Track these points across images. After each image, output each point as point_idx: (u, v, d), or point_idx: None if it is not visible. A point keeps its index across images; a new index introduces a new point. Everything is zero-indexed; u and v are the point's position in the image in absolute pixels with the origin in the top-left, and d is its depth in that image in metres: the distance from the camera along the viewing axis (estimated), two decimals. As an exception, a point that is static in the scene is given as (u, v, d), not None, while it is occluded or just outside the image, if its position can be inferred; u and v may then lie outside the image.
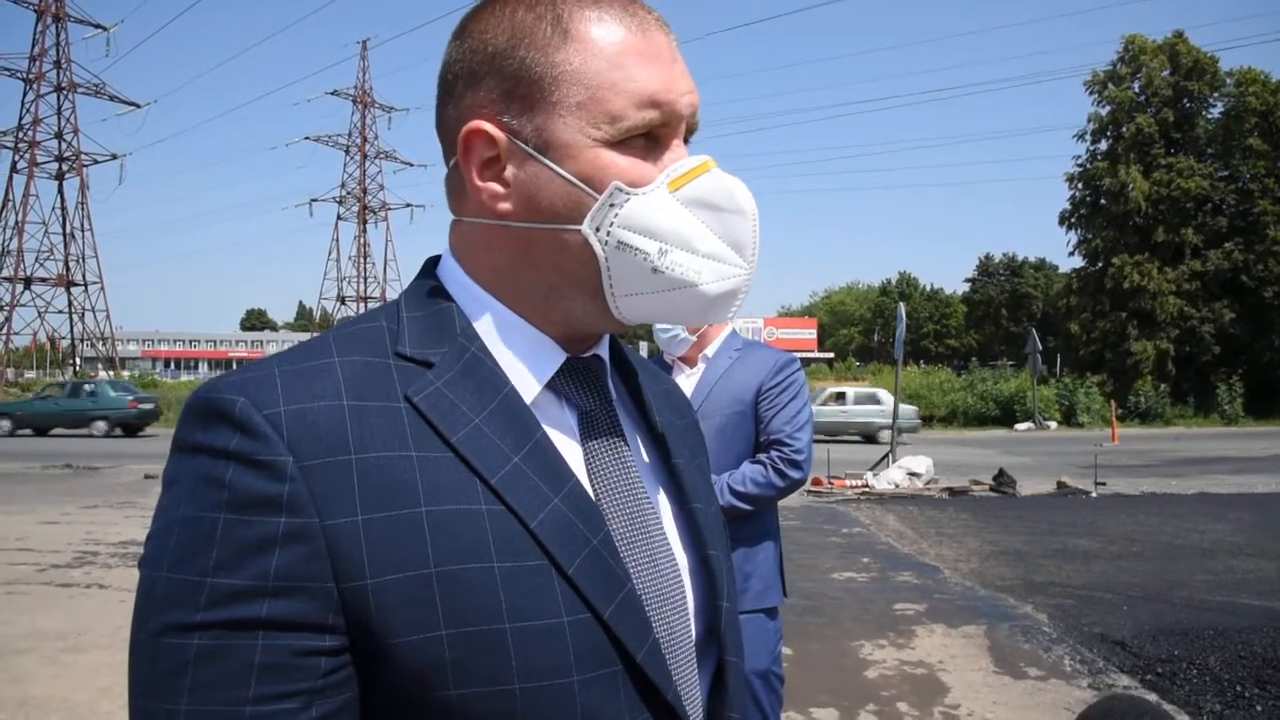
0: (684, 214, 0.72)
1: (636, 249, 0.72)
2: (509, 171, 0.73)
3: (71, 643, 5.28)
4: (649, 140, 0.73)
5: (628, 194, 0.71)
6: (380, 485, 0.64)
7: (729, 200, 0.73)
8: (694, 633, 0.79)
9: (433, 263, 0.82)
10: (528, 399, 0.74)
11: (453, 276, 0.79)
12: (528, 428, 0.72)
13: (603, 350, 0.83)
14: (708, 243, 0.73)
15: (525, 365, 0.76)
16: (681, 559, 0.80)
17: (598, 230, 0.72)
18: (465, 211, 0.77)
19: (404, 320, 0.75)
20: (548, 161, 0.72)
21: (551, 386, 0.77)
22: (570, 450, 0.76)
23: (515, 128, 0.73)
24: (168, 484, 0.66)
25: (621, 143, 0.72)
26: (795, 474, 2.58)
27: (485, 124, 0.73)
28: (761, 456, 2.61)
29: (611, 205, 0.71)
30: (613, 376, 0.85)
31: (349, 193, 65.69)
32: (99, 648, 5.14)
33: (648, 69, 0.72)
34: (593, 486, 0.75)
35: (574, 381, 0.79)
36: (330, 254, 67.08)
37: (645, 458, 0.84)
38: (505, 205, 0.74)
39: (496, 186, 0.74)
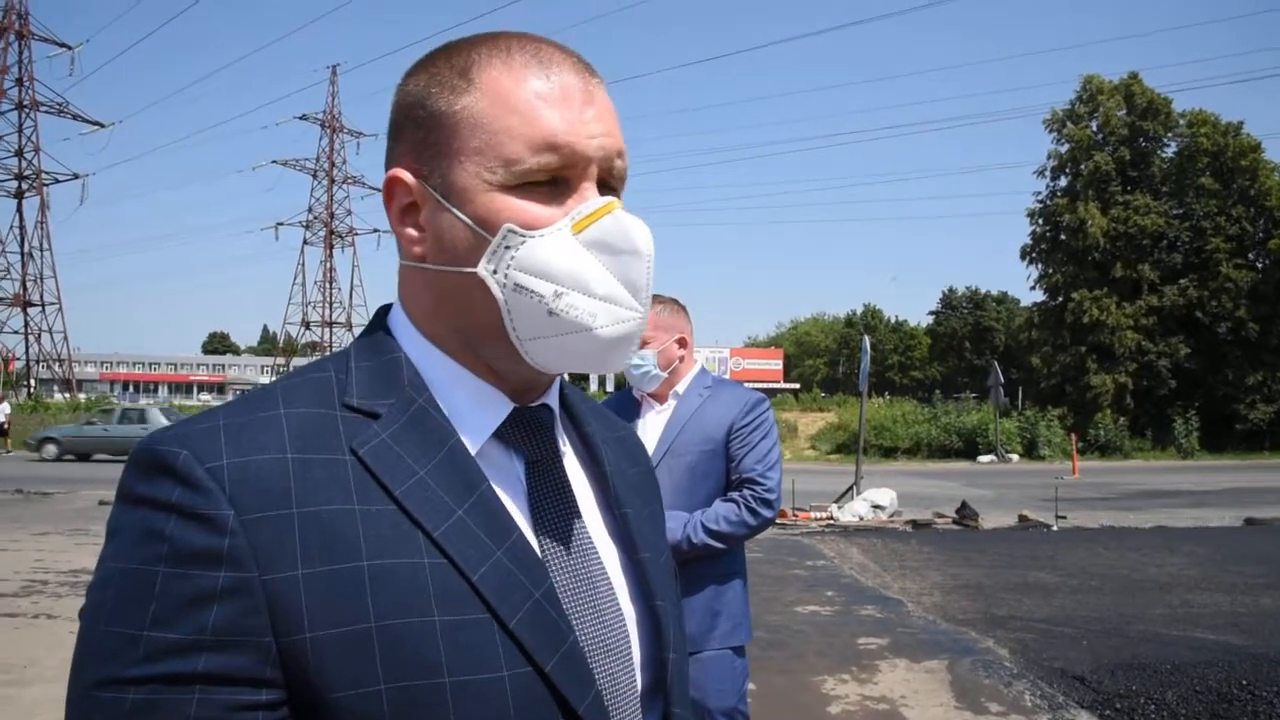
0: (584, 256, 0.72)
1: (532, 291, 0.72)
2: (423, 216, 0.75)
3: (15, 675, 5.12)
4: (555, 184, 0.73)
5: (522, 236, 0.72)
6: (321, 539, 0.64)
7: (626, 241, 0.73)
8: (639, 684, 0.79)
9: (384, 311, 0.83)
10: (474, 449, 0.75)
11: (401, 326, 0.80)
12: (472, 480, 0.72)
13: (551, 399, 0.83)
14: (605, 285, 0.73)
15: (472, 416, 0.76)
16: (628, 609, 0.80)
17: (495, 272, 0.72)
18: (401, 256, 0.79)
19: (353, 370, 0.75)
20: (450, 206, 0.73)
21: (499, 436, 0.77)
22: (516, 501, 0.76)
23: (425, 174, 0.75)
24: (110, 534, 0.66)
25: (521, 186, 0.72)
26: (767, 513, 2.62)
27: (401, 172, 0.76)
28: (734, 495, 2.62)
29: (506, 248, 0.72)
30: (564, 424, 0.85)
31: (316, 217, 65.36)
32: (45, 681, 4.99)
33: (548, 111, 0.72)
34: (537, 537, 0.75)
35: (521, 431, 0.79)
36: (296, 278, 66.68)
37: (595, 507, 0.84)
38: (420, 249, 0.76)
39: (413, 231, 0.76)
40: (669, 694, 0.82)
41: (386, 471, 0.69)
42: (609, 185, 0.76)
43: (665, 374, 2.70)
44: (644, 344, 2.65)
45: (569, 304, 0.72)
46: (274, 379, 0.78)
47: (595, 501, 0.84)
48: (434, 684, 0.64)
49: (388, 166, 0.78)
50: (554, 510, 0.78)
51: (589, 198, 0.74)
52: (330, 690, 0.62)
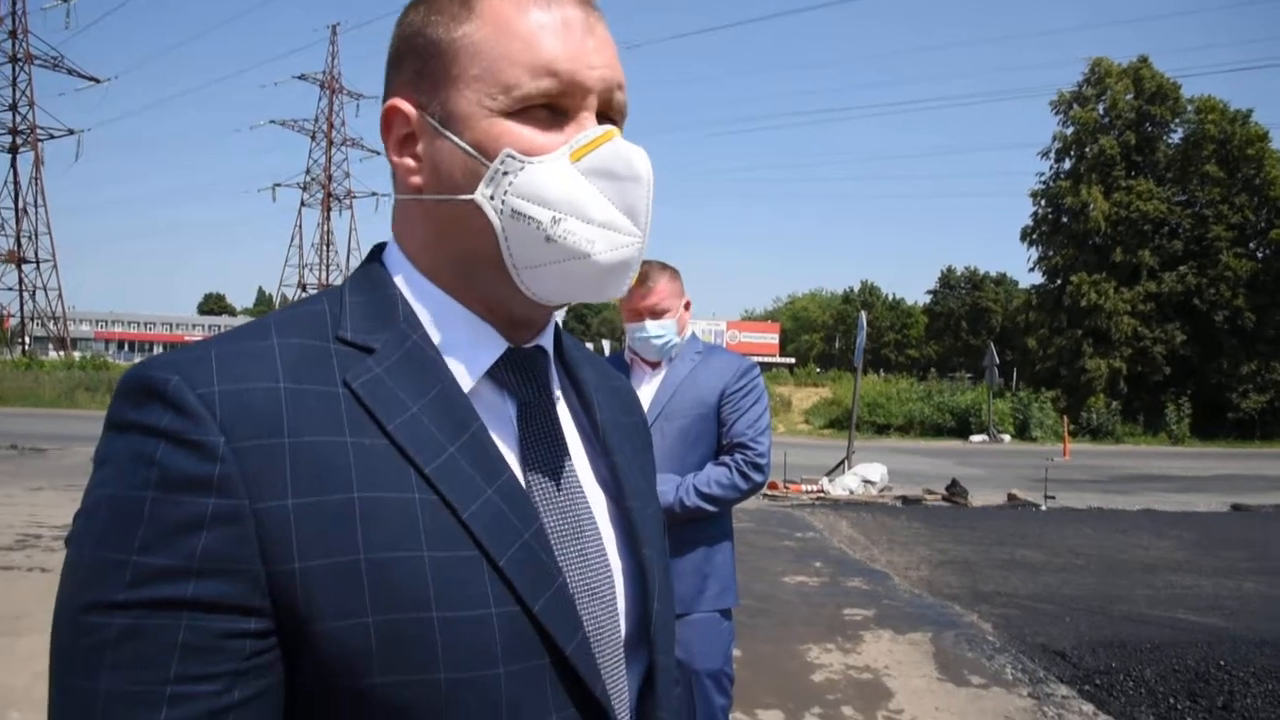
0: (582, 183, 0.72)
1: (530, 217, 0.72)
2: (420, 146, 0.75)
3: (8, 626, 5.16)
4: (553, 112, 0.73)
5: (521, 162, 0.72)
6: (313, 470, 0.64)
7: (626, 167, 0.73)
8: (623, 631, 0.79)
9: (379, 249, 0.82)
10: (466, 388, 0.75)
11: (396, 262, 0.79)
12: (465, 418, 0.72)
13: (546, 341, 0.83)
14: (603, 211, 0.72)
15: (466, 354, 0.76)
16: (614, 556, 0.80)
17: (492, 199, 0.72)
18: (396, 190, 0.79)
19: (347, 305, 0.75)
20: (448, 133, 0.73)
21: (492, 375, 0.77)
22: (507, 442, 0.76)
23: (424, 103, 0.75)
24: (99, 462, 0.65)
25: (520, 113, 0.72)
26: (758, 476, 2.65)
27: (400, 101, 0.75)
28: (726, 459, 2.65)
29: (505, 173, 0.72)
30: (557, 369, 0.85)
31: (314, 179, 64.89)
32: (36, 632, 5.03)
33: (549, 39, 0.72)
34: (527, 479, 0.75)
35: (515, 372, 0.79)
36: (293, 240, 66.32)
37: (584, 453, 0.84)
38: (417, 179, 0.75)
39: (410, 161, 0.76)
40: (653, 643, 0.82)
41: (379, 406, 0.69)
42: (609, 118, 0.76)
43: (680, 340, 2.72)
44: (664, 313, 2.66)
45: (567, 230, 0.71)
46: (266, 313, 0.77)
47: (585, 448, 0.85)
48: (421, 618, 0.64)
49: (386, 98, 0.78)
50: (544, 453, 0.78)
51: (588, 126, 0.74)
52: (318, 621, 0.62)
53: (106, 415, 0.66)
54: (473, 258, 0.75)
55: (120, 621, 0.60)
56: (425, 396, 0.71)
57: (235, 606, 0.61)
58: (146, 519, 0.61)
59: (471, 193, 0.72)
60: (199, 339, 0.73)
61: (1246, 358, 34.12)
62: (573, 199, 0.72)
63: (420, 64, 0.75)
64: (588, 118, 0.74)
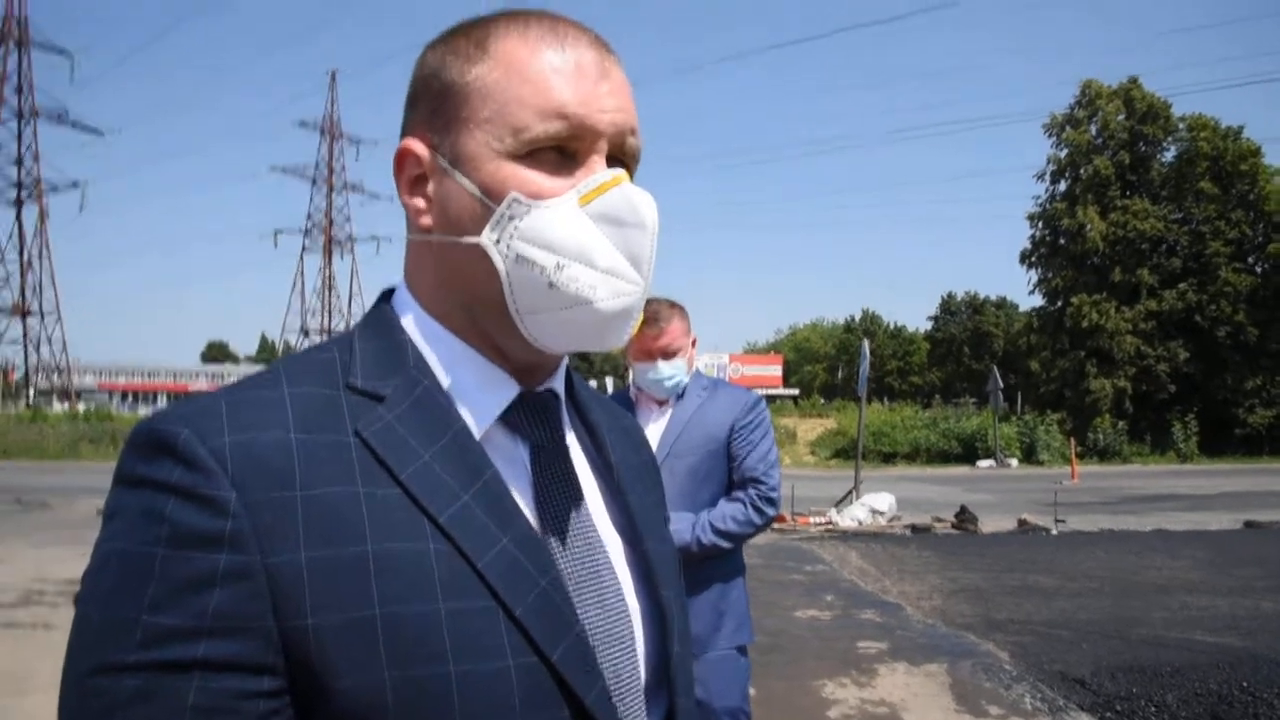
0: (589, 228, 0.71)
1: (534, 262, 0.71)
2: (431, 187, 0.75)
3: (13, 686, 5.10)
4: (563, 155, 0.73)
5: (527, 206, 0.71)
6: (326, 522, 0.63)
7: (633, 214, 0.72)
8: (643, 675, 0.78)
9: (388, 293, 0.82)
10: (479, 433, 0.74)
11: (406, 304, 0.79)
12: (478, 465, 0.71)
13: (557, 384, 0.82)
14: (607, 257, 0.71)
15: (477, 399, 0.75)
16: (632, 599, 0.79)
17: (498, 242, 0.71)
18: (409, 231, 0.79)
19: (356, 351, 0.74)
20: (457, 175, 0.73)
21: (505, 419, 0.76)
22: (521, 487, 0.75)
23: (436, 144, 0.75)
24: (108, 517, 0.64)
25: (529, 156, 0.72)
26: (771, 511, 2.66)
27: (413, 142, 0.76)
28: (739, 494, 2.65)
29: (510, 217, 0.71)
30: (568, 411, 0.84)
31: (315, 224, 65.35)
32: (41, 691, 4.97)
33: (561, 82, 0.72)
34: (542, 524, 0.74)
35: (527, 415, 0.78)
36: (295, 286, 66.63)
37: (599, 495, 0.83)
38: (427, 219, 0.75)
39: (420, 202, 0.76)
40: (673, 686, 0.81)
41: (391, 454, 0.68)
42: (621, 162, 0.76)
43: (687, 379, 2.72)
44: (675, 353, 2.66)
45: (570, 276, 0.70)
46: (275, 360, 0.77)
47: (600, 490, 0.84)
48: (439, 672, 0.63)
49: (402, 138, 0.78)
50: (559, 497, 0.77)
51: (597, 170, 0.73)
52: (333, 677, 0.61)
53: (116, 469, 0.66)
54: (478, 302, 0.74)
55: (130, 684, 0.59)
56: (437, 444, 0.70)
57: (248, 665, 0.60)
58: (157, 577, 0.60)
59: (477, 235, 0.72)
60: (203, 388, 0.72)
61: (1251, 373, 34.06)
62: (578, 244, 0.71)
63: (434, 105, 0.75)
64: (598, 162, 0.73)
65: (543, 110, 0.71)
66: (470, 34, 0.75)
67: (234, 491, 0.62)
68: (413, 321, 0.77)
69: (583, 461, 0.84)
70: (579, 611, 0.72)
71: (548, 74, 0.72)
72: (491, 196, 0.72)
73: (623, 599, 0.78)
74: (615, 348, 0.79)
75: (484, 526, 0.68)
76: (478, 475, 0.71)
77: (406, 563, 0.65)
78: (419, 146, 0.75)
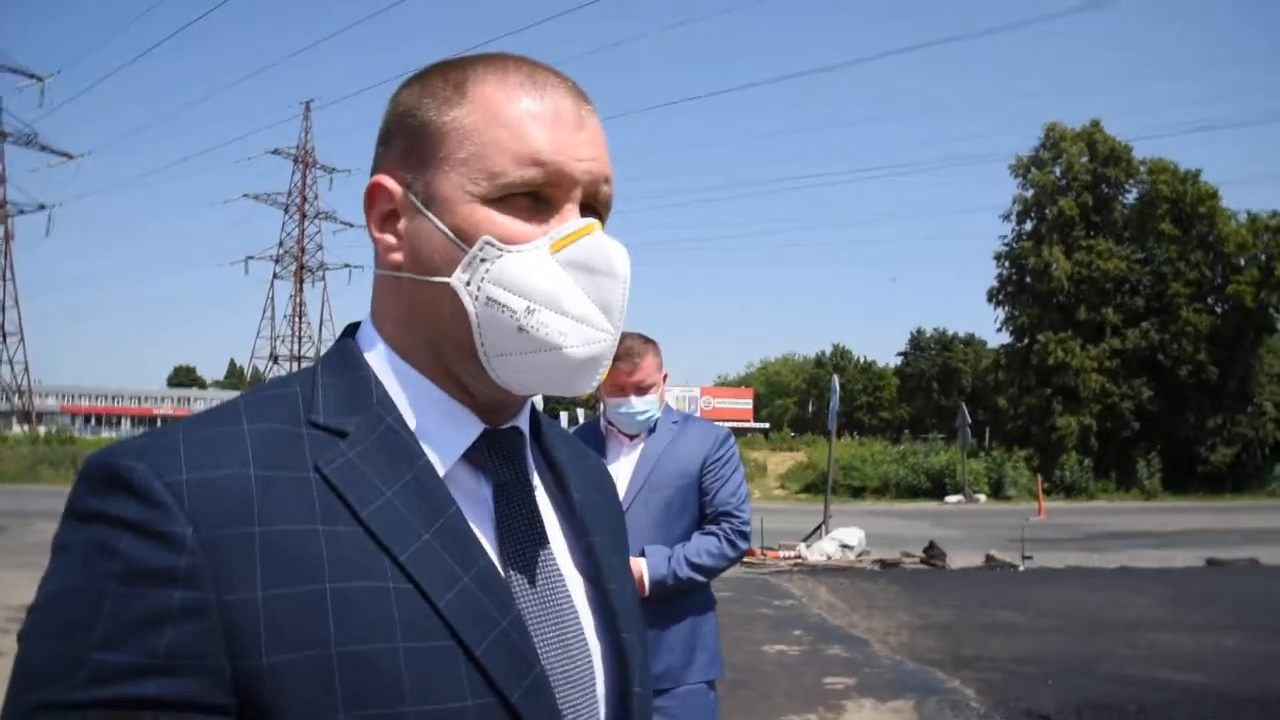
0: (559, 275, 0.72)
1: (504, 305, 0.71)
2: (402, 224, 0.75)
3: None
4: (536, 201, 0.73)
5: (500, 250, 0.71)
6: (284, 560, 0.62)
7: (605, 263, 0.73)
8: (602, 717, 0.77)
9: (353, 328, 0.81)
10: (442, 471, 0.73)
11: (371, 341, 0.78)
12: (440, 503, 0.71)
13: (522, 422, 0.81)
14: (578, 305, 0.72)
15: (441, 436, 0.74)
16: (593, 641, 0.78)
17: (468, 284, 0.72)
18: (377, 265, 0.79)
19: (319, 387, 0.73)
20: (430, 215, 0.73)
21: (468, 457, 0.76)
22: (483, 526, 0.75)
23: (409, 181, 0.75)
24: (57, 550, 0.63)
25: (502, 200, 0.72)
26: (744, 545, 2.69)
27: (385, 178, 0.76)
28: (713, 529, 2.67)
29: (482, 260, 0.71)
30: (532, 449, 0.84)
31: (286, 251, 64.88)
32: (-9, 723, 4.83)
33: (537, 129, 0.72)
34: (504, 563, 0.74)
35: (491, 453, 0.77)
36: (265, 312, 65.91)
37: (561, 534, 0.83)
38: (397, 256, 0.75)
39: (390, 238, 0.76)
40: None
41: (352, 491, 0.67)
42: (594, 210, 0.77)
43: (659, 414, 2.74)
44: (649, 389, 2.67)
45: (540, 321, 0.71)
46: (237, 395, 0.76)
47: (562, 529, 0.83)
48: (396, 713, 0.62)
49: (373, 173, 0.78)
50: (522, 537, 0.76)
51: (570, 218, 0.74)
52: (287, 718, 0.60)
53: (68, 503, 0.64)
54: (445, 341, 0.74)
55: None
56: (399, 481, 0.69)
57: (199, 705, 0.59)
58: (107, 614, 0.58)
59: (448, 276, 0.72)
60: (168, 412, 0.71)
61: (1212, 411, 34.66)
62: (548, 290, 0.71)
63: (408, 143, 0.75)
64: (571, 210, 0.74)
65: (519, 156, 0.72)
66: (448, 75, 0.76)
67: (190, 527, 0.61)
68: (378, 357, 0.77)
69: (546, 500, 0.83)
70: (540, 652, 0.71)
71: (525, 120, 0.72)
72: (464, 239, 0.72)
73: (584, 640, 0.77)
74: (581, 393, 0.79)
75: (445, 565, 0.68)
76: (439, 513, 0.70)
77: (365, 602, 0.64)
78: (391, 183, 0.75)
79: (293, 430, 0.69)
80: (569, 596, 0.78)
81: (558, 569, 0.78)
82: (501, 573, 0.73)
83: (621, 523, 0.95)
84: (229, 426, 0.68)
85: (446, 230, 0.72)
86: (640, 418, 2.68)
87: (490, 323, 0.71)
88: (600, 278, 0.73)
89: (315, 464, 0.67)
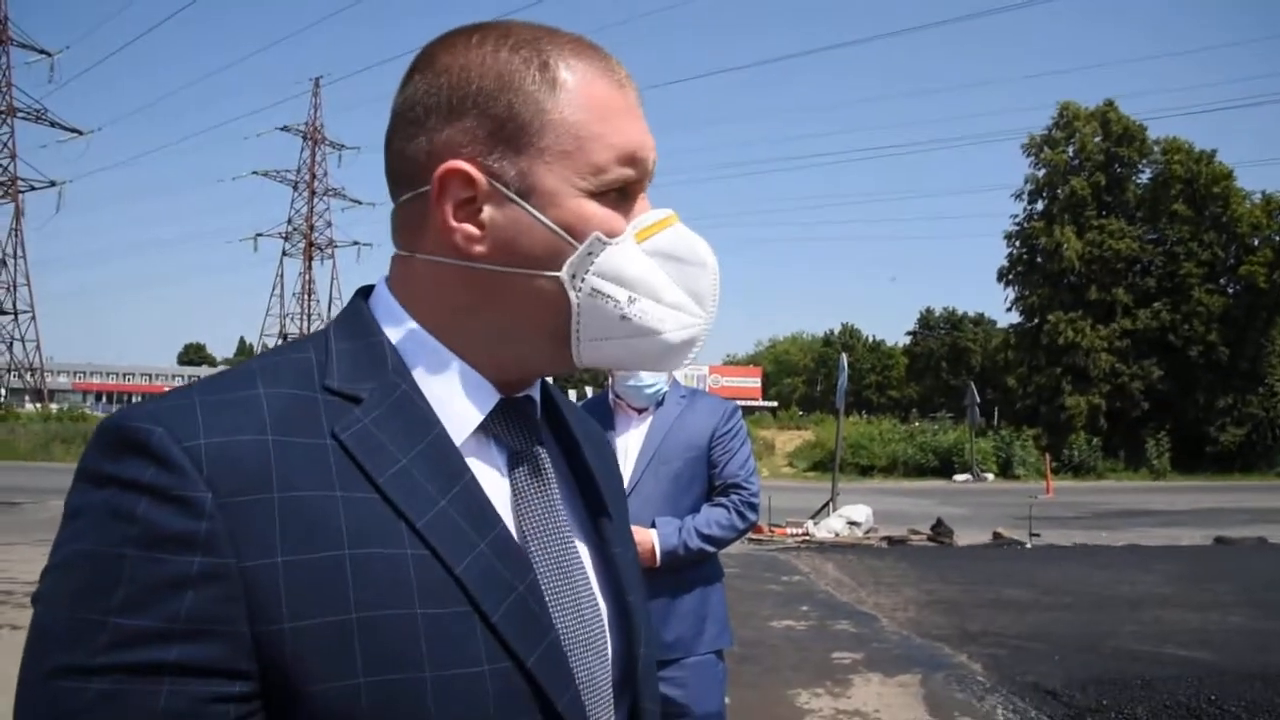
0: (650, 264, 0.74)
1: (609, 296, 0.72)
2: (485, 214, 0.72)
3: (-21, 687, 5.02)
4: (620, 193, 0.74)
5: (605, 243, 0.72)
6: (302, 525, 0.62)
7: (692, 254, 0.76)
8: (612, 679, 0.78)
9: (364, 293, 0.80)
10: (458, 439, 0.73)
11: (388, 310, 0.77)
12: (456, 470, 0.71)
13: (534, 391, 0.82)
14: (672, 293, 0.75)
15: (457, 404, 0.74)
16: (602, 605, 0.79)
17: (574, 277, 0.72)
18: (423, 248, 0.75)
19: (333, 353, 0.72)
20: (530, 208, 0.71)
21: (482, 426, 0.76)
22: (498, 492, 0.75)
23: (498, 170, 0.71)
24: (71, 515, 0.62)
25: (600, 194, 0.72)
26: (753, 516, 2.72)
27: (465, 165, 0.71)
28: (723, 500, 2.69)
29: (590, 254, 0.72)
30: (541, 417, 0.84)
31: (295, 229, 64.94)
32: (5, 693, 4.90)
33: (628, 125, 0.73)
34: (519, 529, 0.74)
35: (505, 422, 0.78)
36: (274, 290, 66.11)
37: (569, 499, 0.83)
38: (479, 248, 0.72)
39: (472, 229, 0.72)
40: (638, 689, 0.81)
41: (369, 458, 0.67)
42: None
43: (667, 387, 2.76)
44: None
45: (641, 309, 0.73)
46: (249, 359, 0.74)
47: (570, 494, 0.84)
48: (414, 678, 0.62)
49: (422, 152, 0.73)
50: (535, 503, 0.77)
51: (646, 208, 0.76)
52: (307, 683, 0.60)
53: (80, 466, 0.63)
54: (528, 327, 0.74)
55: (97, 687, 0.56)
56: (415, 448, 0.69)
57: (220, 670, 0.59)
58: (127, 578, 0.58)
59: (555, 270, 0.72)
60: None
61: (1222, 391, 34.52)
62: (646, 280, 0.74)
63: (494, 127, 0.71)
64: (644, 199, 0.76)
65: (620, 153, 0.72)
66: (521, 53, 0.72)
67: (209, 492, 0.60)
68: (397, 327, 0.75)
69: (554, 466, 0.83)
70: (554, 617, 0.72)
71: (621, 115, 0.73)
72: (573, 234, 0.72)
73: (596, 604, 0.78)
74: (674, 370, 0.82)
75: (462, 532, 0.68)
76: (456, 480, 0.70)
77: (383, 567, 0.64)
78: (473, 170, 0.71)
79: (308, 396, 0.68)
80: (581, 562, 0.79)
81: (570, 535, 0.79)
82: (517, 538, 0.73)
83: (620, 487, 0.96)
84: (244, 391, 0.67)
85: (553, 225, 0.71)
86: (648, 391, 2.70)
87: (592, 312, 0.73)
88: (687, 267, 0.76)
89: (332, 430, 0.67)
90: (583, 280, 0.72)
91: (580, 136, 0.71)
